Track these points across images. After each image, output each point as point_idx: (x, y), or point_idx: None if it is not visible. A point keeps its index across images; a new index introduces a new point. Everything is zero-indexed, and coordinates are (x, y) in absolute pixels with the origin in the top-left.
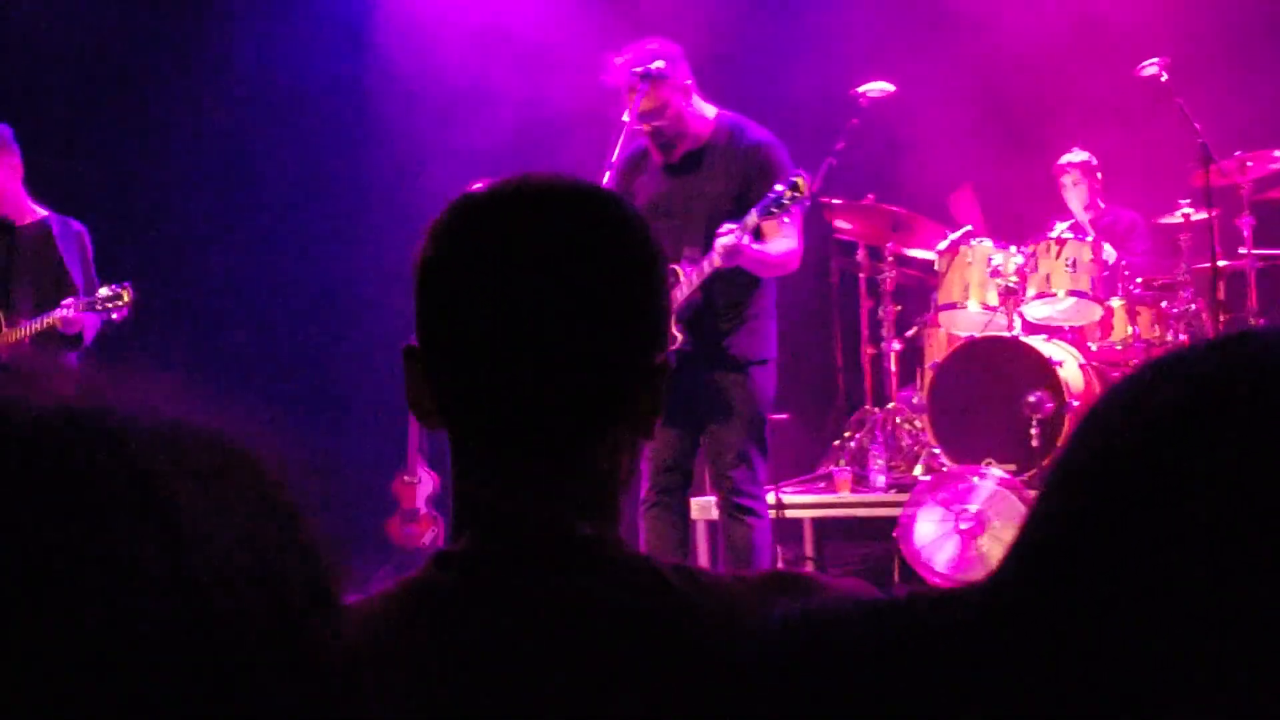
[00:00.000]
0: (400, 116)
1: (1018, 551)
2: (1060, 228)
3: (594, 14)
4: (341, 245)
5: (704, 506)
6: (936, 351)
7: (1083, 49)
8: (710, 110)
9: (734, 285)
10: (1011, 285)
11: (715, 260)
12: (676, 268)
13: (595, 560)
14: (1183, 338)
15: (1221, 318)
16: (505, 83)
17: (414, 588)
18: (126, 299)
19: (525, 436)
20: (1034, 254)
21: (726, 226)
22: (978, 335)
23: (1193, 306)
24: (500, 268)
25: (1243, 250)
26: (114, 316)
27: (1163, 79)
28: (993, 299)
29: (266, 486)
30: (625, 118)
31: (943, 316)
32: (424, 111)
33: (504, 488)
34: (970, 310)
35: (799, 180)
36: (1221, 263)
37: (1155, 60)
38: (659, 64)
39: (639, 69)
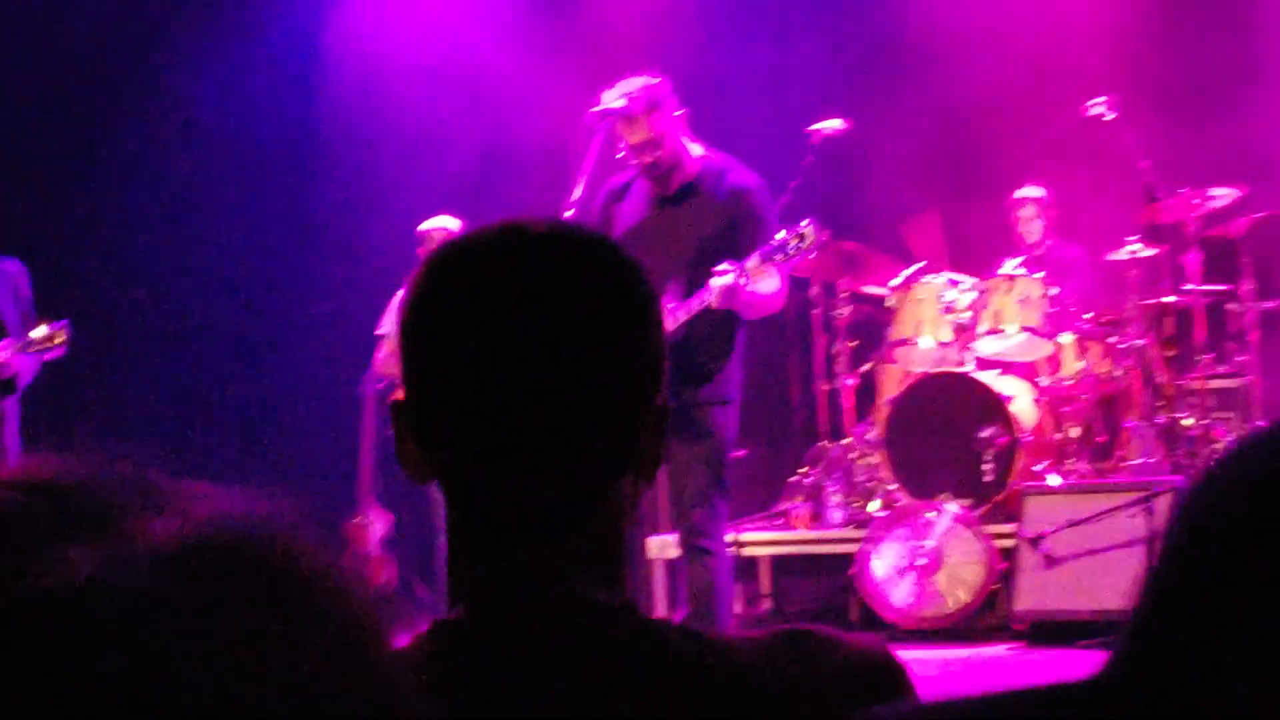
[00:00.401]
0: (351, 157)
1: (1127, 649)
2: (1011, 264)
3: (549, 52)
4: (292, 287)
5: (662, 545)
6: (891, 387)
7: (1034, 87)
8: (697, 148)
9: (710, 324)
10: (964, 321)
11: (711, 300)
12: None
13: (603, 630)
14: (1131, 372)
15: (1168, 353)
16: (458, 121)
17: (407, 661)
18: (63, 339)
19: (524, 492)
20: (986, 290)
21: (723, 266)
22: (931, 371)
23: (1140, 342)
24: (491, 315)
25: (1189, 286)
26: (48, 357)
27: (1109, 118)
28: (946, 335)
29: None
30: (621, 153)
31: (897, 352)
32: (374, 152)
33: (503, 550)
34: (924, 346)
35: (808, 230)
36: (1169, 298)
37: (1103, 99)
38: (654, 97)
39: (636, 101)
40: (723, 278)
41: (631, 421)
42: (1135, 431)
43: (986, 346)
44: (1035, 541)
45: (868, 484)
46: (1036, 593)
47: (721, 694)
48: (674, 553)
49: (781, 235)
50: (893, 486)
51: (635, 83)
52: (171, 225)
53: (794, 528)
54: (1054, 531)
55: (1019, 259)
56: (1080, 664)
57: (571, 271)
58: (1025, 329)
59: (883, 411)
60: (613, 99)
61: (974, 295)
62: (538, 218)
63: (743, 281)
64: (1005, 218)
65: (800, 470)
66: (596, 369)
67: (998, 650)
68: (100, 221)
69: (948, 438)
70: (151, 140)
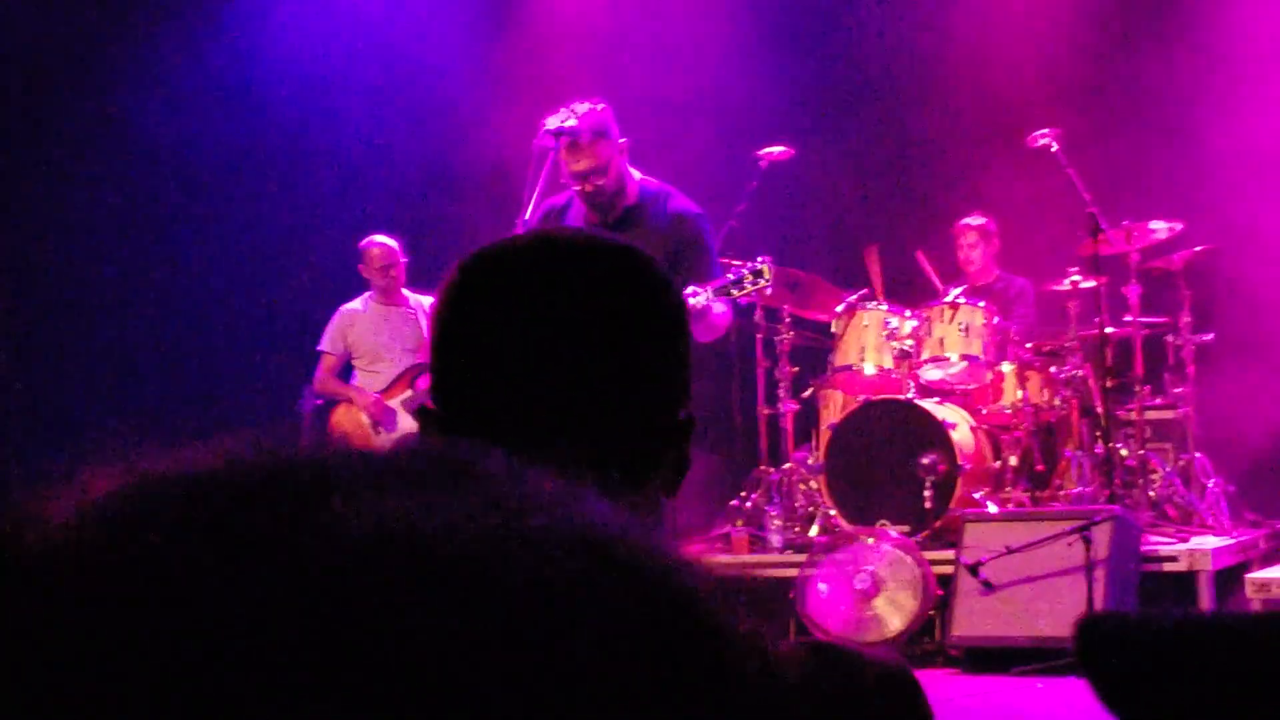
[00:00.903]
0: (291, 174)
1: None
2: (954, 293)
3: (492, 71)
4: (232, 303)
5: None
6: (832, 413)
7: (979, 119)
8: (636, 173)
9: None
10: (907, 348)
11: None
12: None
13: None
14: (1070, 402)
15: (1108, 383)
16: (399, 139)
17: None
18: None
19: None
20: (928, 318)
21: (689, 289)
22: (873, 397)
23: (1080, 372)
24: (522, 325)
25: (1129, 318)
26: None
27: (1053, 149)
28: (888, 362)
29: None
30: (561, 177)
31: (839, 378)
32: (315, 168)
33: None
34: (866, 372)
35: (764, 268)
36: (1109, 330)
37: (1047, 131)
38: (601, 123)
39: (584, 127)
40: (690, 299)
41: (655, 432)
42: (1073, 461)
43: (928, 374)
44: (973, 568)
45: (808, 509)
46: (973, 619)
47: (763, 706)
48: None
49: (742, 271)
50: (832, 512)
51: (581, 108)
52: (112, 239)
53: (734, 552)
54: (992, 558)
55: (960, 288)
56: (1016, 690)
57: (598, 280)
58: (966, 357)
59: (824, 437)
60: (558, 122)
61: (915, 323)
62: (571, 229)
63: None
64: (946, 248)
65: (740, 494)
66: (621, 378)
67: (935, 675)
68: (40, 235)
69: (888, 464)
70: (90, 157)
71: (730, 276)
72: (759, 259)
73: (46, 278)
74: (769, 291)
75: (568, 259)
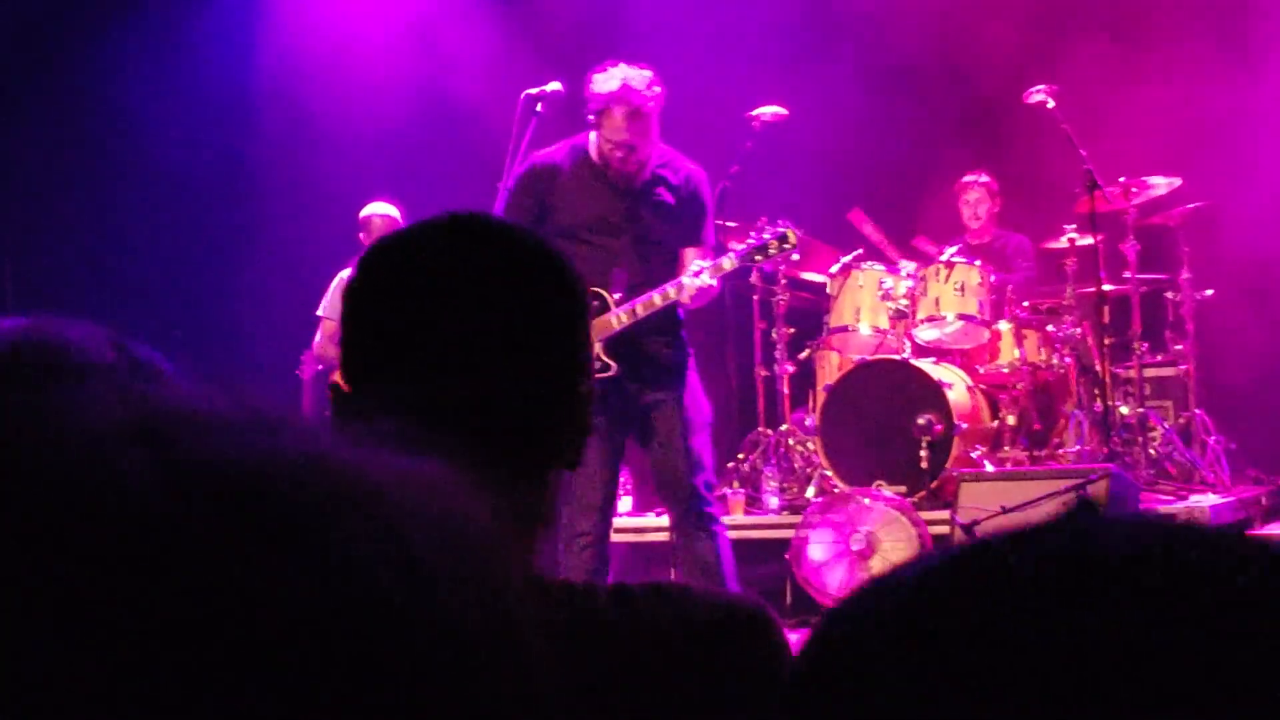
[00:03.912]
0: (290, 139)
1: None
2: (949, 252)
3: (488, 32)
4: (231, 268)
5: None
6: (829, 374)
7: (974, 75)
8: None
9: (660, 314)
10: (902, 308)
11: (683, 296)
12: (601, 291)
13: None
14: (1067, 360)
15: (1106, 341)
16: (398, 104)
17: None
18: None
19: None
20: (923, 278)
21: (698, 264)
22: (869, 358)
23: (1078, 330)
24: (424, 300)
25: (1127, 275)
26: None
27: (1049, 105)
28: (884, 322)
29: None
30: (600, 136)
31: (835, 339)
32: (314, 134)
33: None
34: (862, 333)
35: (789, 233)
36: (1107, 287)
37: (1042, 87)
38: (662, 102)
39: (650, 101)
40: (699, 277)
41: (553, 402)
42: (1071, 419)
43: (924, 334)
44: (969, 528)
45: (804, 470)
46: None
47: (600, 640)
48: (669, 535)
49: (763, 237)
50: (829, 472)
51: (641, 76)
52: (112, 202)
53: (730, 513)
54: (988, 518)
55: (955, 247)
56: None
57: (494, 261)
58: (962, 316)
59: (820, 398)
60: (617, 82)
61: (910, 283)
62: (471, 211)
63: (714, 282)
64: (953, 202)
65: (738, 456)
66: (520, 353)
67: None
68: (44, 216)
69: (884, 424)
70: (81, 133)
71: (751, 242)
72: (779, 223)
73: (49, 244)
74: (796, 257)
75: (467, 244)
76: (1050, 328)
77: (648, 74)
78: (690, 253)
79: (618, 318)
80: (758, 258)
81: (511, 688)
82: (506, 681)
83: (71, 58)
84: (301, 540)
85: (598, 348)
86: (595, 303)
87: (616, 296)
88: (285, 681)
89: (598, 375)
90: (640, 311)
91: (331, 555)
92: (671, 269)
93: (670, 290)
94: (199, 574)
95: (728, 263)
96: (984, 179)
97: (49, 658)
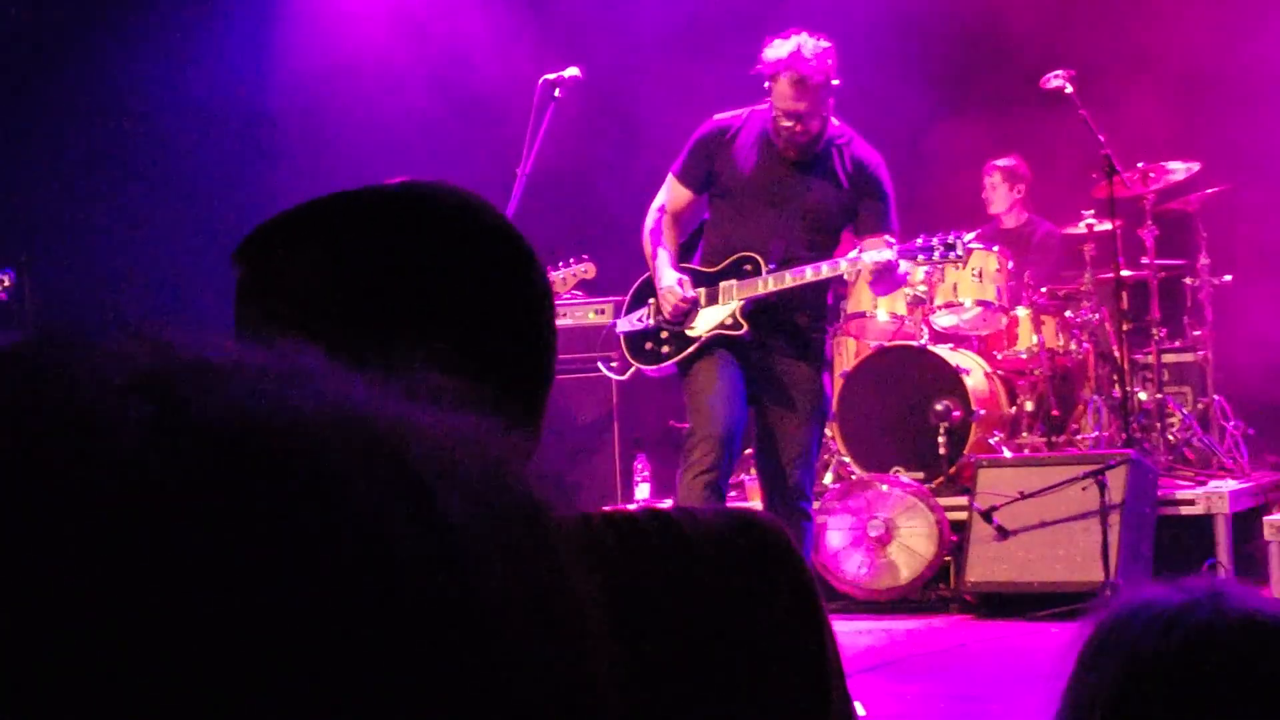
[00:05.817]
0: (307, 122)
1: None
2: (968, 237)
3: (504, 11)
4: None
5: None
6: (846, 360)
7: (993, 61)
8: (834, 120)
9: (812, 287)
10: (920, 294)
11: (860, 269)
12: (755, 255)
13: None
14: (1086, 346)
15: (1124, 326)
16: (416, 84)
17: None
18: (7, 284)
19: None
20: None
21: (878, 241)
22: (886, 344)
23: (1096, 316)
24: (349, 276)
25: (1145, 260)
26: None
27: (1067, 90)
28: (901, 308)
29: (538, 517)
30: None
31: (852, 325)
32: (332, 116)
33: None
34: (879, 319)
35: (958, 243)
36: (1125, 273)
37: (1060, 72)
38: (833, 69)
39: (819, 69)
40: (880, 253)
41: (512, 385)
42: (1090, 405)
43: (942, 320)
44: (987, 514)
45: (822, 456)
46: (988, 564)
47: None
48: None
49: (932, 241)
50: (847, 459)
51: (813, 45)
52: (132, 211)
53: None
54: (1006, 504)
55: (974, 232)
56: (1030, 635)
57: (443, 233)
58: (980, 302)
59: (837, 384)
60: (788, 51)
61: (929, 269)
62: (435, 181)
63: (891, 256)
64: (977, 186)
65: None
66: (474, 330)
67: (949, 621)
68: (62, 204)
69: (902, 411)
70: (100, 142)
71: (919, 242)
72: (954, 234)
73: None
74: (960, 268)
75: (420, 206)
76: (1068, 313)
77: (824, 44)
78: (872, 241)
79: (764, 282)
80: (920, 258)
81: (554, 670)
82: (547, 663)
83: (90, 69)
84: (300, 500)
85: (738, 307)
86: (748, 266)
87: (770, 267)
88: (271, 656)
89: (728, 332)
90: (790, 280)
91: (336, 517)
92: (830, 247)
93: (825, 267)
94: (177, 530)
95: (893, 256)
96: (1003, 162)
97: (24, 598)
